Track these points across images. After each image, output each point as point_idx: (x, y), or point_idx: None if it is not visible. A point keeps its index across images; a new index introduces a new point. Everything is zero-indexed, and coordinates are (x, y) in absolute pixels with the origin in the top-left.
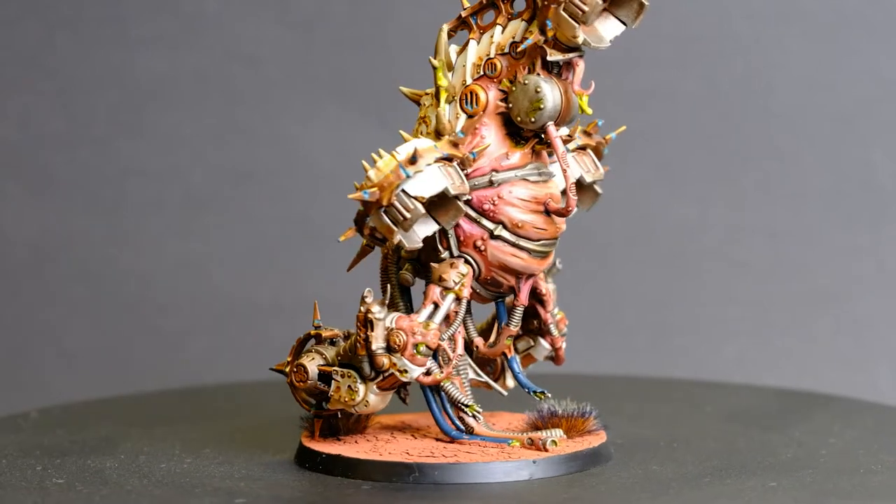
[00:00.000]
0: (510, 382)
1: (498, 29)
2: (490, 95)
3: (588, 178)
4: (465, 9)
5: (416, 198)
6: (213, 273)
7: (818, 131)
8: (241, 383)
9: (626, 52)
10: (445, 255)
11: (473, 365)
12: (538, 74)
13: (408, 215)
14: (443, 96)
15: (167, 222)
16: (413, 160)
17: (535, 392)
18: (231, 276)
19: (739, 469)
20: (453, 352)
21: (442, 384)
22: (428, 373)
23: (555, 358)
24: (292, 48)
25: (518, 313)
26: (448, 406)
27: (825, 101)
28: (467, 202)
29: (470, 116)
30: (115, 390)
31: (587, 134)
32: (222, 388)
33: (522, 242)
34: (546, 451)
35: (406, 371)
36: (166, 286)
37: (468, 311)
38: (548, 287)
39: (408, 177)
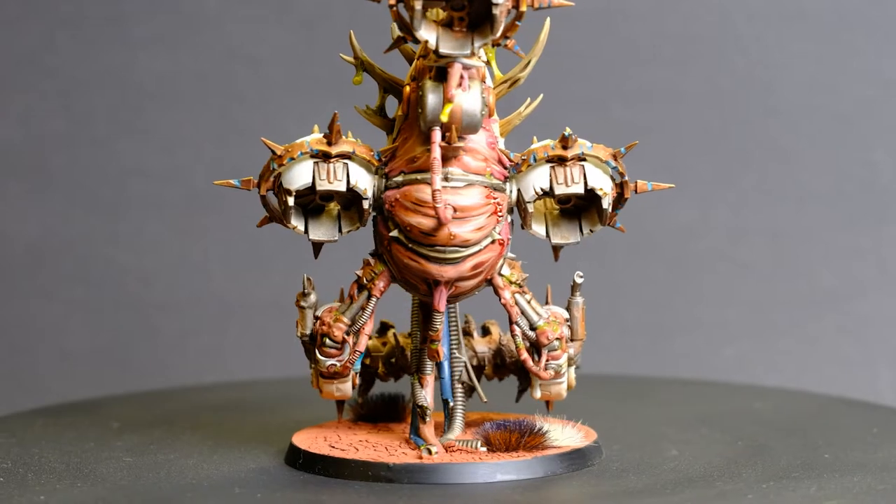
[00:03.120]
0: (537, 393)
1: None
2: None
3: (559, 191)
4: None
5: (286, 190)
6: (213, 273)
7: (820, 131)
8: (240, 383)
9: (627, 52)
10: (371, 251)
11: (469, 367)
12: (430, 79)
13: (281, 206)
14: (379, 97)
15: (167, 222)
16: (275, 154)
17: (444, 399)
18: (231, 276)
19: (736, 472)
20: (355, 345)
21: (412, 383)
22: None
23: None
24: (292, 48)
25: (436, 318)
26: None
27: (827, 101)
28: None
29: (408, 116)
30: (115, 390)
31: (564, 147)
32: (222, 388)
33: (414, 246)
34: (422, 458)
35: (319, 361)
36: (166, 286)
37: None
38: (508, 297)
39: (273, 169)
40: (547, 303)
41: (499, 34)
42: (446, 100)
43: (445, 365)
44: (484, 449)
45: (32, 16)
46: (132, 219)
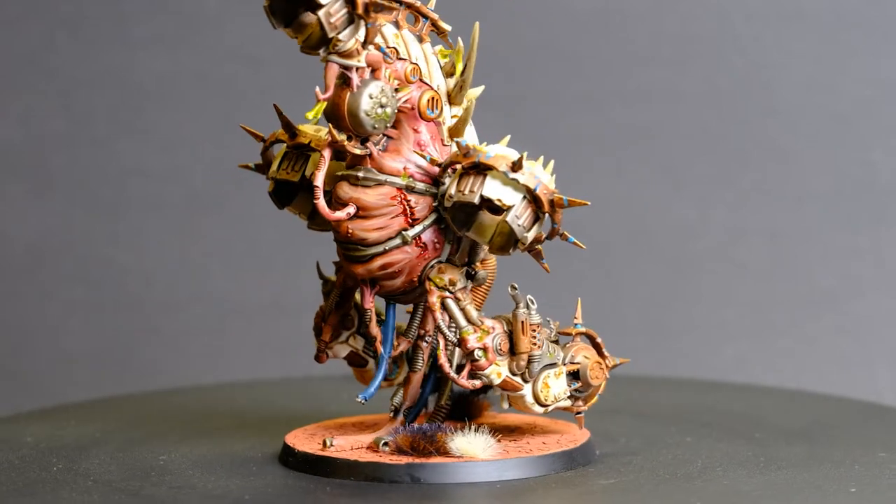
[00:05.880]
0: (505, 404)
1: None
2: None
3: (455, 198)
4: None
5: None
6: (213, 273)
7: (818, 132)
8: (240, 383)
9: (626, 52)
10: None
11: (453, 363)
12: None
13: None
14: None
15: (167, 222)
16: (263, 141)
17: (360, 398)
18: (231, 276)
19: (737, 473)
20: (321, 335)
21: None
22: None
23: None
24: (292, 48)
25: (364, 316)
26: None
27: (825, 101)
28: None
29: None
30: (115, 390)
31: (464, 155)
32: (222, 388)
33: (337, 243)
34: (323, 450)
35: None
36: (166, 286)
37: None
38: (433, 300)
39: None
40: (575, 318)
41: (334, 36)
42: (316, 99)
43: (382, 366)
44: (387, 449)
45: (32, 16)
46: (132, 219)
